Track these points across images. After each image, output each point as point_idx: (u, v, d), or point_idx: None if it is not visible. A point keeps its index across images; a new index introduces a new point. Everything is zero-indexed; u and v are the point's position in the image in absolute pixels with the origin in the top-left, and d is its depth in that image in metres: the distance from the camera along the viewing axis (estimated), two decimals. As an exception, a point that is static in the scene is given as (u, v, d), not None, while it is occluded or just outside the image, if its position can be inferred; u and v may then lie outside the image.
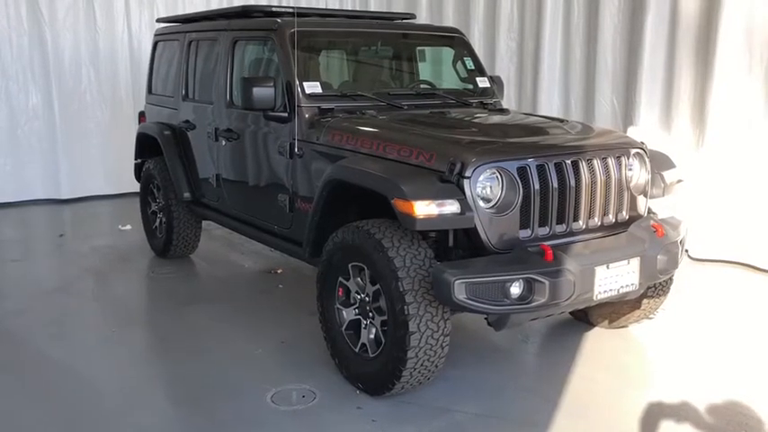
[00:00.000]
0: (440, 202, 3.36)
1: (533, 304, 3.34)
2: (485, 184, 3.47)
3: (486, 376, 3.98)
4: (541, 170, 3.59)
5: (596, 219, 3.81)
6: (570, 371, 4.09)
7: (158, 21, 6.60)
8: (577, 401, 3.74)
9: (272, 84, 4.40)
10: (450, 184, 3.43)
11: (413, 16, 5.89)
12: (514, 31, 7.71)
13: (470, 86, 5.16)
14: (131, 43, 8.87)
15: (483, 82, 5.17)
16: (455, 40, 5.31)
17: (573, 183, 3.67)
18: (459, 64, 5.29)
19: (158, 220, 6.29)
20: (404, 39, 5.29)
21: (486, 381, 3.94)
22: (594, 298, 3.57)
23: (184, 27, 5.92)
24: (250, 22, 5.05)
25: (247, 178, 4.99)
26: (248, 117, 4.91)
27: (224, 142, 5.14)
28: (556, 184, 3.62)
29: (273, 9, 5.07)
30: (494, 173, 3.49)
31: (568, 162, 3.67)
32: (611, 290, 3.61)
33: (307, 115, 4.35)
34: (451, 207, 3.37)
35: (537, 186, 3.56)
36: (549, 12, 7.19)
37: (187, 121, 5.68)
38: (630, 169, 3.97)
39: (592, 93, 6.93)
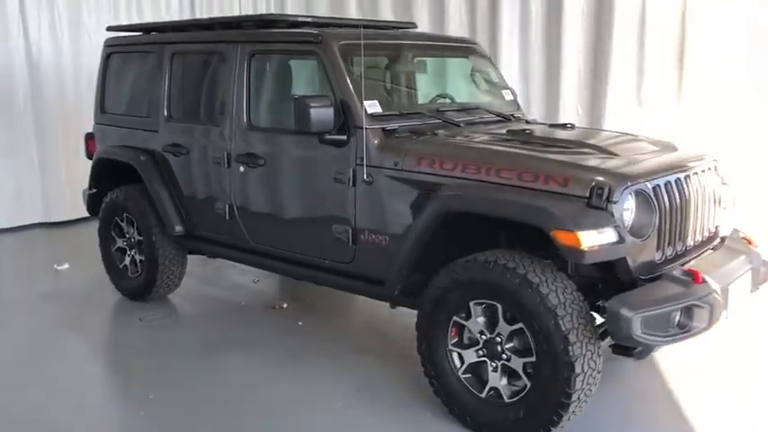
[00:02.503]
0: (599, 230, 3.14)
1: (693, 331, 3.22)
2: (628, 208, 3.29)
3: (607, 405, 3.75)
4: (669, 188, 3.48)
5: (699, 234, 3.76)
6: (664, 388, 4.04)
7: (110, 29, 5.73)
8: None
9: (329, 103, 3.93)
10: (600, 210, 3.21)
11: (414, 25, 5.57)
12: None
13: (494, 99, 4.95)
14: (29, 51, 7.69)
15: (508, 94, 4.98)
16: (475, 51, 5.07)
17: (691, 198, 3.59)
18: (477, 76, 5.07)
19: (129, 258, 5.49)
20: (433, 51, 4.98)
21: (608, 410, 3.74)
22: (727, 317, 3.51)
23: (163, 37, 5.18)
24: (277, 34, 4.49)
25: (282, 208, 4.44)
26: (280, 140, 4.39)
27: (242, 169, 4.54)
28: (678, 202, 3.52)
29: (292, 19, 4.57)
30: (635, 195, 3.32)
31: (682, 178, 3.60)
32: (737, 306, 3.59)
33: (376, 139, 3.92)
34: (609, 236, 3.17)
35: (667, 205, 3.45)
36: (506, 12, 7.08)
37: (176, 145, 4.97)
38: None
39: (555, 99, 6.91)
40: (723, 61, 5.92)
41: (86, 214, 7.48)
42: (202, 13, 8.98)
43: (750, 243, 3.99)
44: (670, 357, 4.29)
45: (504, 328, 3.38)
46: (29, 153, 7.87)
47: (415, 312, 4.31)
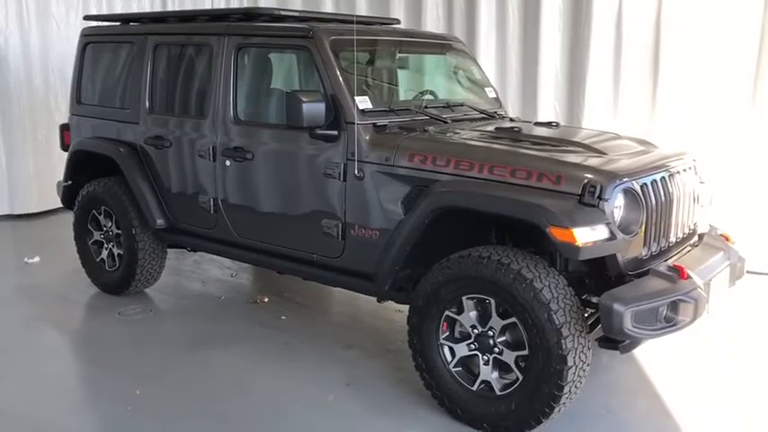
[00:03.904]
0: (593, 227, 3.23)
1: (679, 325, 3.33)
2: (618, 205, 3.38)
3: (589, 397, 3.83)
4: (655, 186, 3.59)
5: (680, 231, 3.88)
6: (661, 380, 4.15)
7: (87, 18, 5.64)
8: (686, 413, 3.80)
9: (321, 99, 3.94)
10: (592, 207, 3.29)
11: (398, 21, 5.60)
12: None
13: (478, 96, 5.01)
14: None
15: (491, 92, 5.05)
16: (459, 49, 5.12)
17: (674, 196, 3.71)
18: (461, 73, 5.13)
19: (106, 252, 5.41)
20: (421, 47, 5.01)
21: (592, 402, 3.82)
22: (708, 312, 3.63)
23: (145, 28, 5.10)
24: (266, 28, 4.47)
25: (269, 203, 4.43)
26: (268, 134, 4.38)
27: (228, 162, 4.52)
28: (663, 200, 3.63)
29: (277, 13, 4.56)
30: (624, 193, 3.40)
31: (666, 176, 3.71)
32: (719, 301, 3.71)
33: (367, 134, 3.95)
34: (602, 232, 3.26)
35: (653, 203, 3.55)
36: (483, 9, 7.14)
37: (158, 138, 4.91)
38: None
39: (532, 96, 7.01)
40: (698, 57, 6.07)
41: (53, 206, 7.50)
42: (174, 6, 8.86)
43: (727, 240, 4.12)
44: (648, 350, 4.40)
45: (496, 322, 3.44)
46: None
47: (400, 306, 4.42)
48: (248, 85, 4.56)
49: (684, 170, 3.91)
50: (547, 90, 6.88)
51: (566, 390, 3.27)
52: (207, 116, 4.61)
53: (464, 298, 3.52)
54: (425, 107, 4.41)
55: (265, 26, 4.50)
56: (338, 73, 4.03)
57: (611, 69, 6.52)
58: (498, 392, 3.49)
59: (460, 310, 3.56)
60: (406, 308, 3.81)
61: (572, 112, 6.76)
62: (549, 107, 6.90)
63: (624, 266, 3.42)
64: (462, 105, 4.66)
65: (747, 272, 4.23)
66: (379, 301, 4.24)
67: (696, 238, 4.11)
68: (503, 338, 3.46)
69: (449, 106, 4.59)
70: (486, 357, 3.51)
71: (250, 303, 5.31)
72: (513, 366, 3.43)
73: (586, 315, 3.54)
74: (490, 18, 7.11)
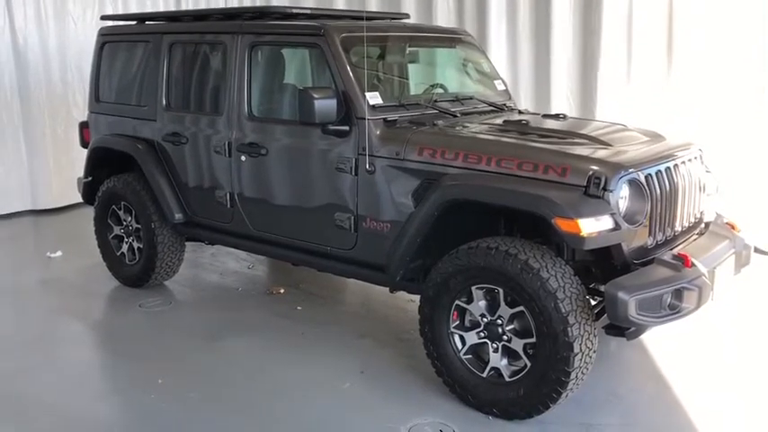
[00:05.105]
0: (597, 218, 3.32)
1: (683, 312, 3.41)
2: (623, 196, 3.46)
3: (597, 383, 3.95)
4: (659, 176, 3.66)
5: (686, 220, 3.95)
6: (668, 367, 4.23)
7: (104, 18, 5.78)
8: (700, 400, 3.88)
9: (333, 95, 4.05)
10: (597, 198, 3.38)
11: (407, 16, 5.69)
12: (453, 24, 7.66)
13: (487, 89, 5.09)
14: (15, 41, 7.67)
15: (500, 85, 5.13)
16: (468, 42, 5.20)
17: (679, 186, 3.78)
18: (470, 66, 5.21)
19: (126, 246, 5.56)
20: (430, 42, 5.10)
21: (600, 388, 3.93)
22: (712, 299, 3.71)
23: (161, 27, 5.23)
24: (279, 26, 4.59)
25: (284, 197, 4.55)
26: (282, 130, 4.50)
27: (244, 158, 4.64)
28: (668, 190, 3.71)
29: (288, 10, 4.66)
30: (629, 184, 3.49)
31: (671, 167, 3.78)
32: (724, 289, 3.79)
33: (377, 129, 4.05)
34: (606, 223, 3.35)
35: (658, 193, 3.63)
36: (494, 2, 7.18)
37: (175, 134, 5.04)
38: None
39: (545, 87, 7.05)
40: (710, 46, 6.10)
41: (73, 201, 7.68)
42: (188, 5, 8.98)
43: (733, 228, 4.19)
44: (655, 337, 4.49)
45: (504, 311, 3.55)
46: (16, 141, 7.89)
47: (411, 296, 4.53)
48: (262, 82, 4.68)
49: (690, 160, 3.98)
50: (559, 81, 6.94)
51: (572, 375, 3.37)
52: (222, 113, 4.73)
53: (473, 288, 3.62)
54: (435, 101, 4.50)
55: (278, 24, 4.62)
56: (349, 69, 4.13)
57: (623, 58, 6.55)
58: (507, 379, 3.60)
59: (470, 300, 3.66)
60: (417, 297, 3.92)
61: (585, 103, 6.82)
62: (561, 97, 6.96)
63: (629, 255, 3.50)
64: (471, 98, 4.75)
65: (756, 249, 4.28)
66: (391, 292, 4.35)
67: (702, 226, 4.18)
68: (511, 327, 3.56)
69: (458, 100, 4.67)
70: (495, 345, 3.62)
71: (267, 295, 5.45)
72: (521, 353, 3.54)
73: (593, 303, 3.64)
74: (500, 10, 7.18)
